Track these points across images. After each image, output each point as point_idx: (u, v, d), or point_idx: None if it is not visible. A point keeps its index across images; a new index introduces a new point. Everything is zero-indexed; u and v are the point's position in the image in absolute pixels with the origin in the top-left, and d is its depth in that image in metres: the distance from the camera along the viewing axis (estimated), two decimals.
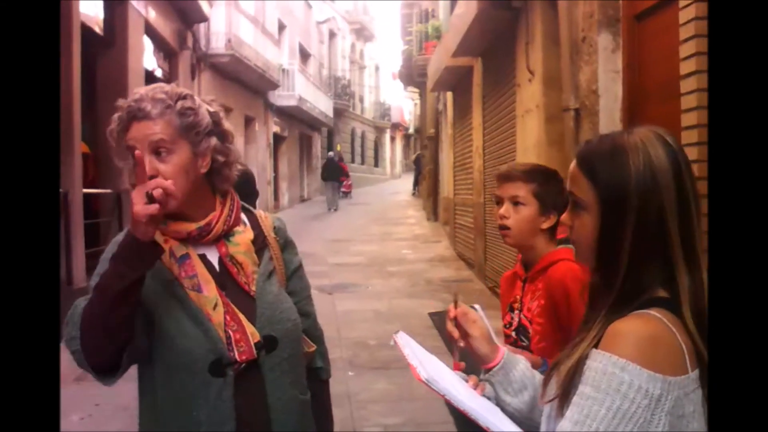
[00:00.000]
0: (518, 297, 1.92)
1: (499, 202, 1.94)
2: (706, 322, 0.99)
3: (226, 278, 1.43)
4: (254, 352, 1.39)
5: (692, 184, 1.05)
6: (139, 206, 1.23)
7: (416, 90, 23.42)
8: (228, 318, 1.39)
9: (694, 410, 0.97)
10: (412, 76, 18.91)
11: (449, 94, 12.98)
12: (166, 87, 1.41)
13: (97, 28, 7.53)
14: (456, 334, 1.27)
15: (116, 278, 1.27)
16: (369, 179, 31.79)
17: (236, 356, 1.38)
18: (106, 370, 1.34)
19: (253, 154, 16.32)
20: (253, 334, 1.40)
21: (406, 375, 5.58)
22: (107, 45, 7.74)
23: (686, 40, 2.66)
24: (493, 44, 7.80)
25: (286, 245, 1.60)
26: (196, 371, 1.35)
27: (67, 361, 1.33)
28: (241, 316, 1.40)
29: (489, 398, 1.26)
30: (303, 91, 20.14)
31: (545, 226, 1.85)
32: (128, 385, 1.50)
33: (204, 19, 11.51)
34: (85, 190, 6.68)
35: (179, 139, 1.37)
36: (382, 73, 36.96)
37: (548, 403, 1.10)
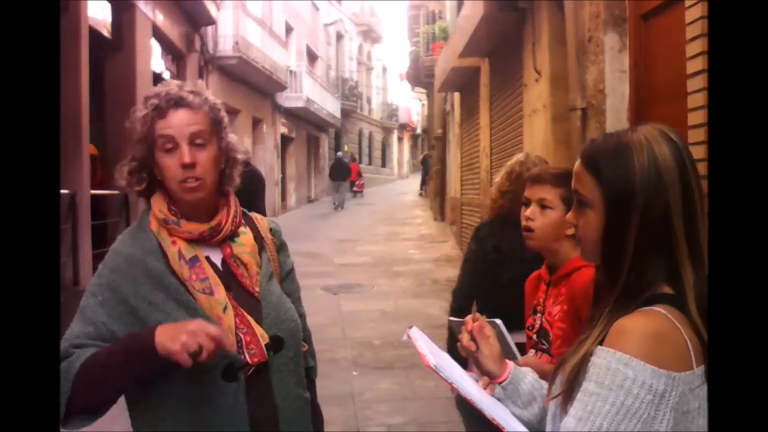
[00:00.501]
0: (541, 300, 1.91)
1: (527, 203, 1.92)
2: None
3: (230, 280, 1.43)
4: (265, 353, 1.39)
5: (697, 182, 1.05)
6: (183, 357, 1.22)
7: (423, 91, 23.41)
8: (237, 321, 1.38)
9: (700, 406, 0.96)
10: (420, 77, 18.91)
11: (456, 95, 12.97)
12: (190, 83, 1.44)
13: (105, 32, 7.58)
14: (471, 346, 1.27)
15: (125, 371, 1.28)
16: (376, 179, 31.78)
17: (247, 359, 1.37)
18: (75, 420, 1.34)
19: (261, 155, 16.37)
20: (262, 335, 1.39)
21: (410, 375, 5.62)
22: (115, 48, 7.78)
23: (693, 39, 2.65)
24: (500, 45, 7.79)
25: (281, 247, 1.60)
26: (209, 378, 1.33)
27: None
28: (250, 318, 1.40)
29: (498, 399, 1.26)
30: (310, 92, 20.17)
31: (570, 232, 1.81)
32: None
33: (211, 21, 11.55)
34: (93, 192, 6.72)
35: (211, 134, 1.40)
36: (389, 74, 36.97)
37: (553, 401, 1.10)
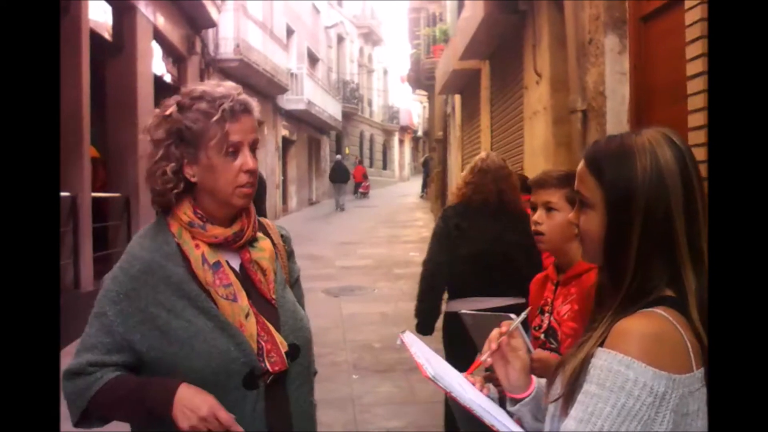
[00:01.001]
0: (549, 300, 1.92)
1: (534, 208, 1.96)
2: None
3: (249, 286, 1.41)
4: (286, 362, 1.38)
5: (699, 185, 1.05)
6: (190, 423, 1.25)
7: (424, 93, 23.45)
8: (258, 328, 1.37)
9: (699, 408, 0.96)
10: (420, 79, 18.94)
11: (457, 97, 12.98)
12: (234, 87, 1.45)
13: (107, 34, 7.59)
14: (502, 359, 1.22)
15: (138, 411, 1.31)
16: (378, 182, 31.79)
17: (268, 367, 1.35)
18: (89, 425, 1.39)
19: (262, 157, 16.36)
20: (281, 343, 1.38)
21: (410, 378, 5.58)
22: (116, 51, 7.79)
23: (693, 41, 2.64)
24: (501, 47, 7.80)
25: (291, 254, 1.59)
26: (230, 386, 1.32)
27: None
28: (270, 326, 1.39)
29: (493, 399, 1.25)
30: (311, 95, 20.20)
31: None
32: None
33: (212, 24, 11.57)
34: (94, 194, 6.72)
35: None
36: (390, 76, 37.00)
37: (553, 403, 1.09)
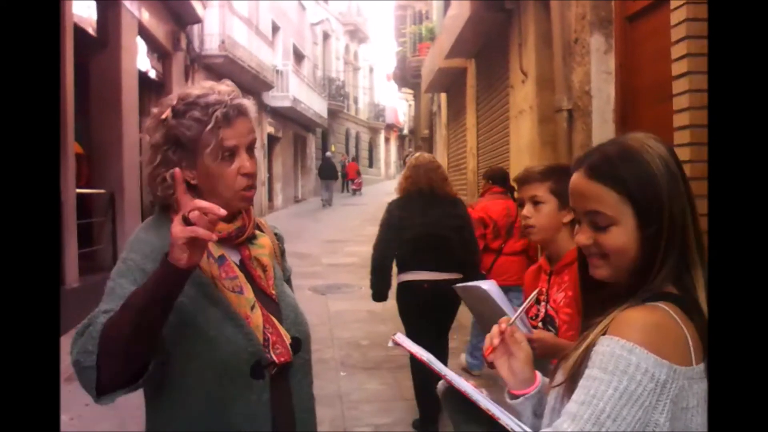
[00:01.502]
0: (544, 290, 1.98)
1: (521, 204, 2.04)
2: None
3: (249, 281, 1.42)
4: (291, 353, 1.39)
5: (687, 180, 1.06)
6: (177, 228, 1.15)
7: (410, 91, 23.45)
8: (263, 320, 1.38)
9: (698, 404, 0.97)
10: (406, 77, 18.92)
11: (443, 96, 13.00)
12: (231, 87, 1.42)
13: (91, 29, 7.50)
14: (506, 351, 1.21)
15: (148, 301, 1.19)
16: (364, 180, 31.74)
17: (273, 358, 1.37)
18: (109, 390, 1.25)
19: None
20: (286, 335, 1.40)
21: (396, 375, 5.61)
22: (100, 46, 7.71)
23: (678, 41, 2.67)
24: (487, 46, 7.83)
25: (283, 252, 1.62)
26: (237, 374, 1.33)
27: None
28: (274, 319, 1.40)
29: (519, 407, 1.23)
30: (297, 92, 20.11)
31: (567, 219, 1.94)
32: None
33: (197, 20, 11.48)
34: (78, 190, 6.66)
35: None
36: (376, 74, 36.95)
37: (552, 395, 1.10)
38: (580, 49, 4.33)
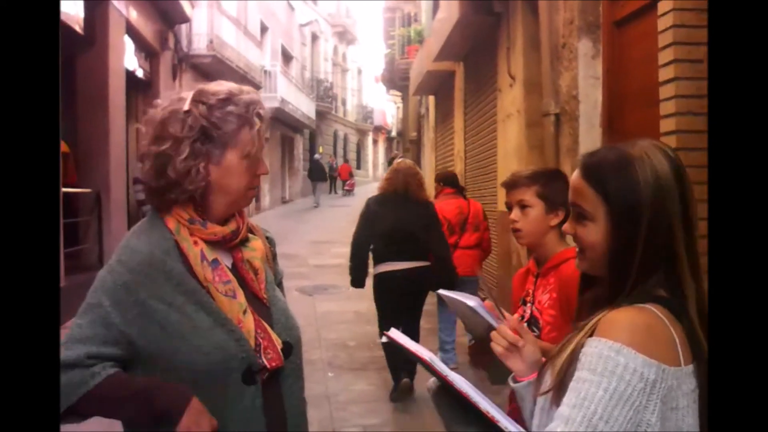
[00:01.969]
0: (530, 291, 2.00)
1: (509, 208, 2.06)
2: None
3: (241, 284, 1.41)
4: (282, 358, 1.39)
5: (691, 193, 1.08)
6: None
7: (399, 93, 23.47)
8: (255, 325, 1.38)
9: (688, 405, 0.99)
10: (395, 79, 18.95)
11: (431, 98, 13.03)
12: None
13: (78, 27, 7.44)
14: (518, 341, 1.25)
15: (150, 413, 1.25)
16: None
17: (265, 363, 1.36)
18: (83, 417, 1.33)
19: None
20: (277, 340, 1.40)
21: (384, 376, 5.61)
22: (88, 44, 7.64)
23: (665, 47, 2.70)
24: (475, 49, 7.86)
25: (275, 256, 1.61)
26: (229, 381, 1.33)
27: None
28: (265, 324, 1.40)
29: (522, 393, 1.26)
30: (285, 93, 20.07)
31: (554, 223, 1.96)
32: None
33: (186, 19, 11.42)
34: (65, 189, 6.60)
35: None
36: (364, 76, 36.97)
37: (543, 396, 1.10)
38: (568, 54, 4.37)
